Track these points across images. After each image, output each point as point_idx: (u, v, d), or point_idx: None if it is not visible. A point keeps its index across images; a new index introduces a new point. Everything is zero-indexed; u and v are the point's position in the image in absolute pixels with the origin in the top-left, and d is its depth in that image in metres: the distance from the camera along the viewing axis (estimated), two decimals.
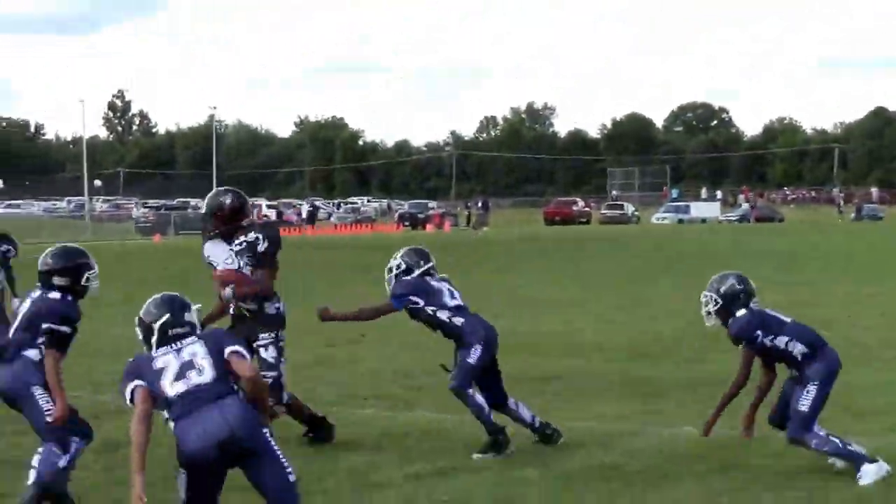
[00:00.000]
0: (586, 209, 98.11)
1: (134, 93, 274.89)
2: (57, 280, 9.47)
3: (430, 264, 11.56)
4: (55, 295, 9.44)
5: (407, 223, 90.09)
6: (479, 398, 11.08)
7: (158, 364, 7.61)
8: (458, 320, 11.23)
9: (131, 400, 7.59)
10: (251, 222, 11.38)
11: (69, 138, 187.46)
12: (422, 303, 11.30)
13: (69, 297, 9.45)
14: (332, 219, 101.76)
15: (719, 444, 11.03)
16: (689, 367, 16.09)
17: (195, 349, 7.64)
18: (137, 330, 7.90)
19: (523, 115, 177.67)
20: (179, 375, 7.51)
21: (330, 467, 10.47)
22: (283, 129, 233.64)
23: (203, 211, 11.59)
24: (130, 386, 7.60)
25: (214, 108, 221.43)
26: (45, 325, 9.28)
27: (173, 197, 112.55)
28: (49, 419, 9.12)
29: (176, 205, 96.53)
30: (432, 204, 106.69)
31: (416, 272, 11.44)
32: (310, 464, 10.54)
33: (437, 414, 12.50)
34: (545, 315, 23.61)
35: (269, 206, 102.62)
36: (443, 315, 11.25)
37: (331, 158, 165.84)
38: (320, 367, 16.41)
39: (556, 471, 10.23)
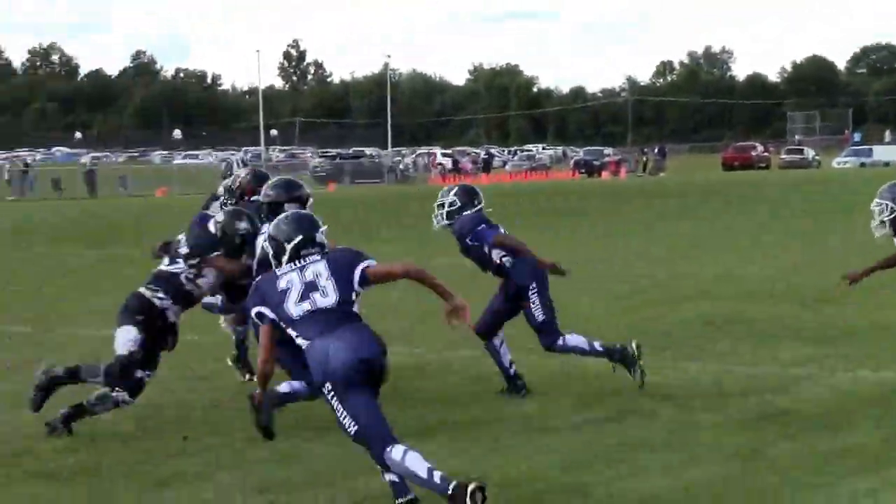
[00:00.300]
0: (765, 154, 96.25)
1: (309, 42, 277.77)
2: (288, 207, 9.91)
3: (482, 204, 11.50)
4: None
5: (582, 170, 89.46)
6: (571, 339, 11.20)
7: (282, 284, 7.59)
8: (508, 261, 11.20)
9: (258, 319, 7.68)
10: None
11: (245, 89, 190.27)
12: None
13: None
14: (506, 167, 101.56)
15: (895, 388, 10.86)
16: (870, 312, 15.76)
17: (318, 268, 7.61)
18: (267, 246, 7.93)
19: (700, 60, 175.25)
20: (304, 296, 7.51)
21: (500, 413, 10.52)
22: (458, 77, 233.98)
23: None
24: (255, 310, 7.67)
25: (389, 56, 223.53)
26: None
27: (348, 146, 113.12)
28: None
29: (351, 154, 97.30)
30: (608, 150, 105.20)
31: (469, 212, 11.36)
32: (479, 409, 10.62)
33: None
34: (724, 260, 23.42)
35: (443, 155, 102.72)
36: (495, 255, 11.21)
37: (505, 106, 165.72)
38: None
39: (730, 416, 10.14)
